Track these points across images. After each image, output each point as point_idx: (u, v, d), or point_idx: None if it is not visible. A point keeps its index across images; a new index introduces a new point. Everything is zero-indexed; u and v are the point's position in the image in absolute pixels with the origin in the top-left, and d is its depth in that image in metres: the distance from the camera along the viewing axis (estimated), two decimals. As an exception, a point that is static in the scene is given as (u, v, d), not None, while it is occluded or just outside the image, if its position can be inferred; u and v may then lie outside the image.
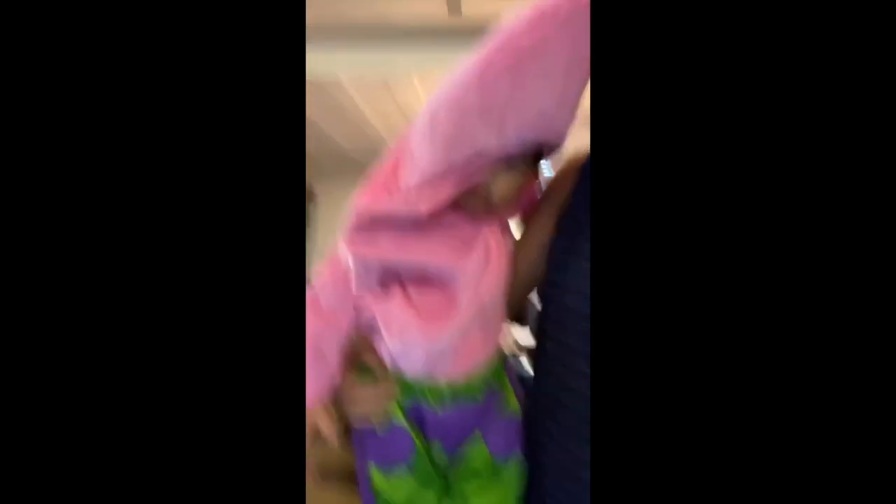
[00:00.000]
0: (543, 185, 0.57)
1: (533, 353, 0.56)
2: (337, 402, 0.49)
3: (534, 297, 0.60)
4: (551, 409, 0.50)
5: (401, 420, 0.50)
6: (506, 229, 0.53)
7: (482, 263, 0.47)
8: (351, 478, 0.52)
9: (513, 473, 0.53)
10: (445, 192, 0.44)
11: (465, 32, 2.14)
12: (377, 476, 0.51)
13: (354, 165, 4.33)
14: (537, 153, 0.48)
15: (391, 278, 0.49)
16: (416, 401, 0.51)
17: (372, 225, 0.46)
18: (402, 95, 2.82)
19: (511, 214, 0.54)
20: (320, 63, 2.23)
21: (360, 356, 0.51)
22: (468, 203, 0.47)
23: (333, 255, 0.50)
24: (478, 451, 0.52)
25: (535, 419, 0.52)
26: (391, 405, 0.51)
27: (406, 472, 0.50)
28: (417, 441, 0.50)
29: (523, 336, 3.17)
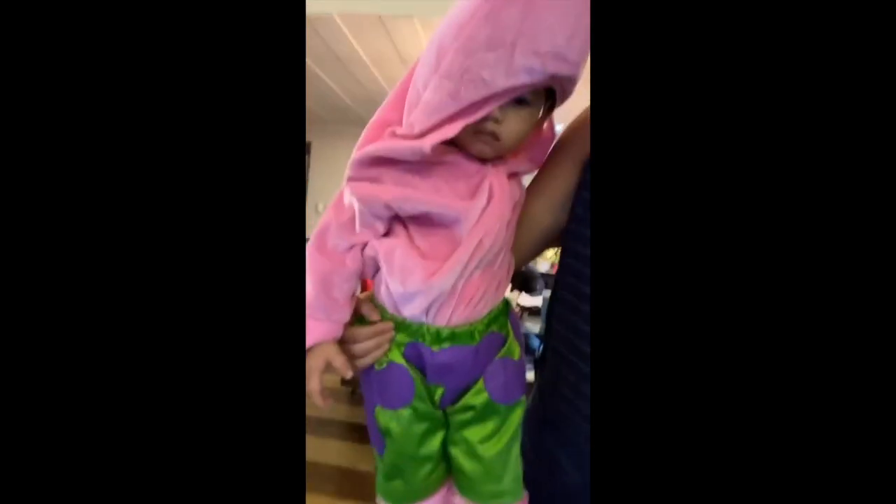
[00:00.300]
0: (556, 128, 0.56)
1: (547, 302, 0.59)
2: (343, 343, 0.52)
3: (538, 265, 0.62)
4: (560, 357, 0.52)
5: (400, 360, 0.51)
6: (514, 176, 0.52)
7: (484, 206, 0.47)
8: (352, 429, 0.59)
9: (510, 413, 0.53)
10: (451, 131, 0.42)
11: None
12: (382, 416, 0.52)
13: (349, 113, 4.16)
14: (549, 91, 0.46)
15: (395, 219, 0.49)
16: (414, 342, 0.51)
17: (376, 165, 0.46)
18: (400, 38, 2.64)
19: (521, 159, 0.53)
20: (320, 5, 2.06)
21: (359, 309, 0.53)
22: (474, 144, 0.46)
23: (338, 197, 0.50)
24: (478, 395, 0.52)
25: (545, 367, 0.54)
26: (390, 346, 0.52)
27: (408, 411, 0.52)
28: (417, 380, 0.51)
29: (527, 299, 3.24)
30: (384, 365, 0.52)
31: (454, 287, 0.47)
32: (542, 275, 3.72)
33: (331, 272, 0.50)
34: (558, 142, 0.55)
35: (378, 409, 0.53)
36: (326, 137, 4.61)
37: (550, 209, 0.56)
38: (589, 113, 0.54)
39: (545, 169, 0.56)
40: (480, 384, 0.52)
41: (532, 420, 0.60)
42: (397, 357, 0.51)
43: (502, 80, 0.40)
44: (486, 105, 0.42)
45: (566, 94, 0.46)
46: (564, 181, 0.55)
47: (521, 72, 0.39)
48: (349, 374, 0.50)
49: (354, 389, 2.83)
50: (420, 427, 0.52)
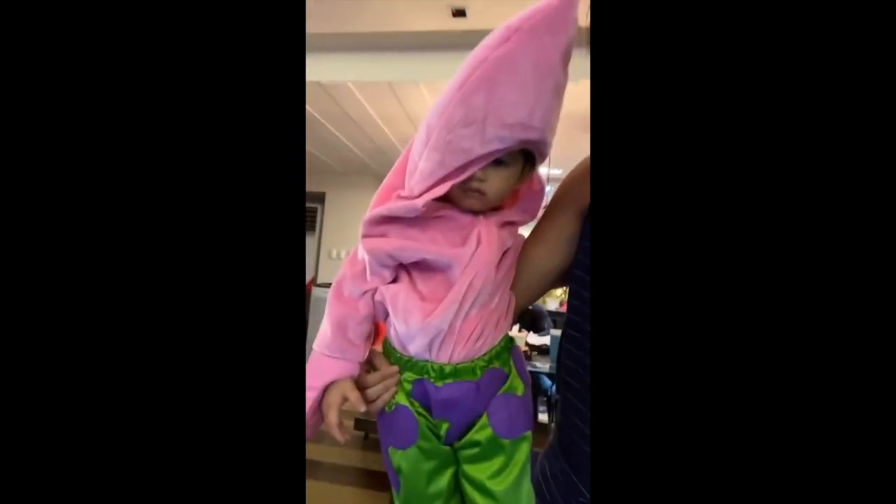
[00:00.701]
0: (546, 184, 0.62)
1: (560, 344, 0.62)
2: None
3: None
4: (570, 388, 0.55)
5: (405, 402, 0.55)
6: (507, 225, 0.58)
7: (473, 251, 0.52)
8: (366, 475, 0.56)
9: (515, 449, 0.55)
10: (442, 190, 0.50)
11: (469, 41, 2.21)
12: (394, 456, 0.56)
13: (361, 165, 4.40)
14: (528, 153, 0.53)
15: (400, 267, 0.55)
16: (420, 378, 0.55)
17: (383, 223, 0.53)
18: (408, 101, 2.89)
19: (514, 211, 0.59)
20: (332, 70, 2.31)
21: (371, 359, 0.58)
22: (464, 200, 0.53)
23: (353, 252, 0.58)
24: (482, 430, 0.55)
25: (559, 401, 0.57)
26: (398, 388, 0.56)
27: (415, 450, 0.55)
28: (421, 421, 0.55)
29: (535, 338, 3.23)
30: (393, 407, 0.56)
31: (452, 325, 0.52)
32: (550, 313, 3.76)
33: (346, 316, 0.55)
34: (557, 191, 0.62)
35: (391, 449, 0.56)
36: (339, 188, 4.82)
37: (549, 253, 0.61)
38: (585, 164, 0.60)
39: (545, 216, 0.62)
40: (484, 419, 0.55)
41: (551, 454, 0.63)
42: (402, 398, 0.55)
43: (479, 149, 0.47)
44: (470, 168, 0.49)
45: (543, 154, 0.53)
46: (562, 227, 0.60)
47: (494, 140, 0.46)
48: (363, 408, 0.54)
49: (367, 434, 2.83)
50: (428, 465, 0.56)
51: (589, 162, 0.59)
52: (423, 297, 0.53)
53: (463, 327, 0.53)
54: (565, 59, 0.46)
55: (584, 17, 0.42)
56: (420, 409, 0.55)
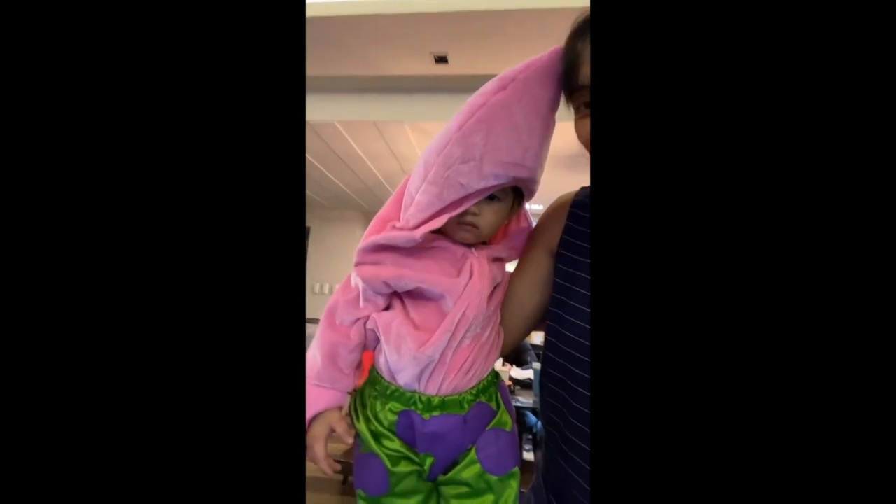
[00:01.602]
0: (532, 220, 0.65)
1: (540, 378, 0.61)
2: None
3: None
4: (554, 426, 0.55)
5: (375, 449, 0.54)
6: (496, 261, 0.60)
7: (467, 282, 0.53)
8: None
9: (504, 488, 0.54)
10: (439, 223, 0.52)
11: (450, 85, 2.33)
12: (362, 500, 0.55)
13: (347, 200, 4.46)
14: (517, 190, 0.57)
15: (393, 296, 0.56)
16: (406, 410, 0.54)
17: (378, 251, 0.54)
18: (393, 140, 2.99)
19: (503, 247, 0.61)
20: (320, 111, 2.40)
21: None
22: (458, 232, 0.56)
23: (346, 280, 0.58)
24: (470, 467, 0.54)
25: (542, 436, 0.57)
26: (366, 435, 0.55)
27: (389, 498, 0.53)
28: (400, 465, 0.53)
29: (518, 372, 3.21)
30: (367, 450, 0.54)
31: (444, 355, 0.52)
32: (533, 346, 3.76)
33: (337, 344, 0.55)
34: (532, 232, 0.64)
35: (360, 492, 0.55)
36: (323, 222, 4.86)
37: (530, 290, 0.61)
38: (555, 204, 0.63)
39: (522, 256, 0.63)
40: (472, 454, 0.54)
41: (537, 487, 0.62)
42: (373, 445, 0.54)
43: (475, 184, 0.50)
44: (465, 203, 0.52)
45: (531, 191, 0.57)
46: (539, 266, 0.61)
47: (490, 177, 0.50)
48: (350, 440, 0.54)
49: (346, 478, 2.72)
50: None
51: (558, 203, 0.63)
52: (416, 326, 0.53)
53: (455, 358, 0.53)
54: (553, 107, 0.52)
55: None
56: (401, 448, 0.54)
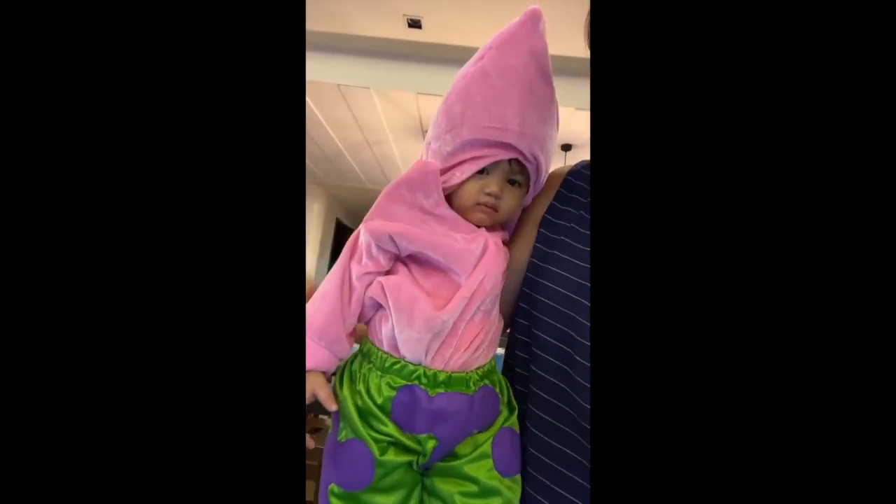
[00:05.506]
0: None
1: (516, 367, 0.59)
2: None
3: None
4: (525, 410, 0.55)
5: (362, 433, 0.50)
6: (505, 245, 0.59)
7: (481, 254, 0.53)
8: None
9: (511, 493, 0.52)
10: (456, 169, 0.53)
11: (424, 53, 2.21)
12: (336, 497, 0.50)
13: (307, 174, 4.26)
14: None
15: (398, 263, 0.54)
16: (408, 385, 0.51)
17: (389, 207, 0.53)
18: (358, 107, 2.83)
19: (505, 233, 0.60)
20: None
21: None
22: (475, 213, 0.55)
23: (353, 237, 0.56)
24: (479, 461, 0.52)
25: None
26: (351, 412, 0.51)
27: (369, 493, 0.49)
28: (379, 462, 0.49)
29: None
30: (344, 439, 0.50)
31: (455, 326, 0.50)
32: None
33: (342, 308, 0.52)
34: (525, 208, 0.63)
35: (333, 487, 0.50)
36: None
37: (522, 269, 0.60)
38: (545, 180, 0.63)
39: (514, 233, 0.62)
40: (484, 447, 0.52)
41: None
42: (359, 429, 0.50)
43: (461, 154, 0.53)
44: (457, 171, 0.53)
45: (536, 164, 0.55)
46: (529, 241, 0.60)
47: (471, 142, 0.52)
48: (333, 408, 0.50)
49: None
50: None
51: (550, 174, 0.62)
52: (427, 293, 0.51)
53: (466, 330, 0.51)
54: (536, 67, 0.52)
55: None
56: (394, 433, 0.49)
